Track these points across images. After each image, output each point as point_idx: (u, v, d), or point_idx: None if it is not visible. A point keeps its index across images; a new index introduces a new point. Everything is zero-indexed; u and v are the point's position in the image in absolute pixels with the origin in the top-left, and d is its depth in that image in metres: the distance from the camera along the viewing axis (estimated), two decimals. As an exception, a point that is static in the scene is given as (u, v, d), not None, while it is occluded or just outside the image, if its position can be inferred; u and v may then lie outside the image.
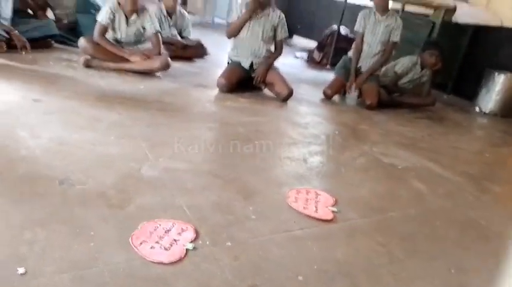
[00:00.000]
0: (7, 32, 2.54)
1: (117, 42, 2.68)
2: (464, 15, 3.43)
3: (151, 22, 2.69)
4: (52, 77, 2.26)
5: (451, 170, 1.96)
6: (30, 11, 3.09)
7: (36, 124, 1.62)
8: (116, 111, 1.91)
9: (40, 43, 2.76)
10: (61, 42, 2.99)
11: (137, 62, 2.62)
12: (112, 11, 2.57)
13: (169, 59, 2.72)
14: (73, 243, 0.98)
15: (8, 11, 2.64)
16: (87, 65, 2.58)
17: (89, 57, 2.60)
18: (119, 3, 2.58)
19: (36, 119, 1.67)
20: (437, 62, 3.02)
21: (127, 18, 2.64)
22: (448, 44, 3.33)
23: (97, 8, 3.22)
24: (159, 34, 2.72)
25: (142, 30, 2.71)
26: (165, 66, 2.66)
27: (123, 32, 2.65)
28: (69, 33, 3.09)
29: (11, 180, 1.21)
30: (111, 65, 2.61)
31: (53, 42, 2.91)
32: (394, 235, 1.30)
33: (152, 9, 2.85)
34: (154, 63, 2.63)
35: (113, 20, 2.59)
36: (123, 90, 2.30)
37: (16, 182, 1.20)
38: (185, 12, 3.70)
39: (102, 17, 2.57)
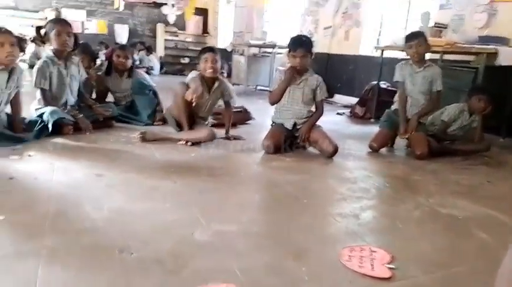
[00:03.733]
0: (73, 117, 2.85)
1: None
2: (509, 57, 3.36)
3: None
4: (112, 153, 2.47)
5: (519, 218, 1.81)
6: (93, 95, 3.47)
7: (98, 197, 1.75)
8: (171, 180, 2.02)
9: (102, 124, 3.06)
10: (120, 121, 3.29)
11: (186, 133, 2.82)
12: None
13: (214, 130, 2.90)
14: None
15: (72, 99, 2.99)
16: (143, 139, 2.80)
17: (144, 132, 2.84)
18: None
19: (98, 192, 1.81)
20: (486, 107, 2.93)
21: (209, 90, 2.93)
22: (496, 87, 3.24)
23: (150, 89, 3.56)
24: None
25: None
26: (211, 137, 2.82)
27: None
28: (128, 112, 3.40)
29: (75, 251, 1.29)
30: (164, 135, 2.83)
31: (113, 122, 3.21)
32: (462, 292, 1.20)
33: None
34: (201, 134, 2.81)
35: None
36: (177, 159, 2.44)
37: (80, 253, 1.29)
38: (230, 84, 3.96)
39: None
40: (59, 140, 2.67)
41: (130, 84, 3.51)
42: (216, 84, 2.91)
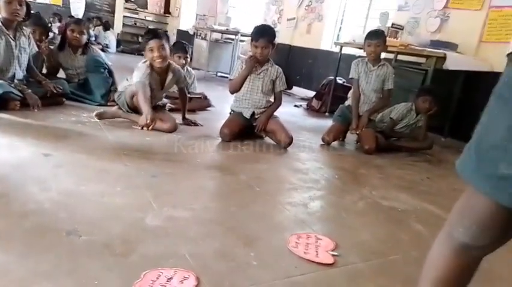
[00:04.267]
0: (21, 91, 2.69)
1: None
2: (456, 62, 3.59)
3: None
4: (62, 132, 2.37)
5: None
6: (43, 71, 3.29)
7: (45, 178, 1.69)
8: (123, 163, 1.99)
9: (51, 101, 2.91)
10: (71, 99, 3.15)
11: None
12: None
13: (177, 122, 2.83)
14: (78, 293, 1.01)
15: (21, 73, 2.82)
16: (100, 117, 2.71)
17: (102, 111, 2.73)
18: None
19: (45, 173, 1.74)
20: (430, 107, 3.12)
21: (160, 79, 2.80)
22: (442, 89, 3.46)
23: (106, 67, 3.43)
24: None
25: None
26: (174, 129, 2.75)
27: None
28: (80, 91, 3.26)
29: (18, 234, 1.25)
30: (123, 114, 2.74)
31: (64, 99, 3.06)
32: (396, 278, 1.31)
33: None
34: (164, 125, 2.72)
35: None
36: (130, 142, 2.40)
37: (24, 235, 1.25)
38: (191, 69, 3.90)
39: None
40: (4, 115, 2.51)
41: (84, 62, 3.36)
42: (170, 75, 2.80)
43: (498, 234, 0.72)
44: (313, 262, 1.32)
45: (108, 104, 3.22)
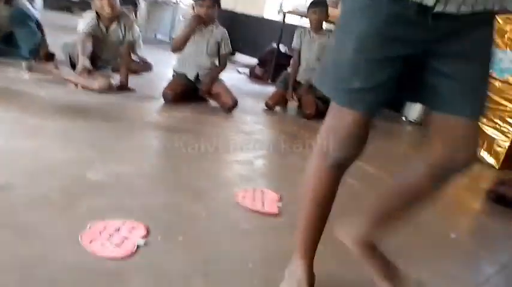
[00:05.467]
0: None
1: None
2: None
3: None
4: (-15, 88, 2.16)
5: (381, 169, 2.16)
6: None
7: (-30, 133, 1.55)
8: (59, 121, 1.87)
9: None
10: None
11: (79, 77, 2.56)
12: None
13: (111, 81, 2.62)
14: (20, 244, 0.97)
15: None
16: (29, 68, 2.50)
17: (33, 62, 2.52)
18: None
19: (-30, 128, 1.59)
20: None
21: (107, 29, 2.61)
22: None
23: (33, 19, 3.11)
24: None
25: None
26: (105, 88, 2.53)
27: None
28: (5, 45, 2.94)
29: None
30: (54, 71, 2.54)
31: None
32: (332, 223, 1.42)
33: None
34: (95, 83, 2.51)
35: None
36: (67, 100, 2.25)
37: (-49, 189, 1.15)
38: (137, 28, 3.68)
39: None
40: None
41: (8, 13, 3.01)
42: (115, 24, 2.67)
43: (362, 142, 0.85)
44: (260, 212, 1.38)
45: (37, 59, 2.95)
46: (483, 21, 0.75)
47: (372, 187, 1.87)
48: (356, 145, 0.84)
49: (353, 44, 0.76)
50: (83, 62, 2.38)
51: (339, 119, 0.83)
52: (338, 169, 0.90)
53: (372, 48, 0.75)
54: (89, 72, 2.45)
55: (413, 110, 3.79)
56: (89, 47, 2.44)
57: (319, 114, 3.08)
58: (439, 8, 0.69)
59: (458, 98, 0.78)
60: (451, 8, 0.69)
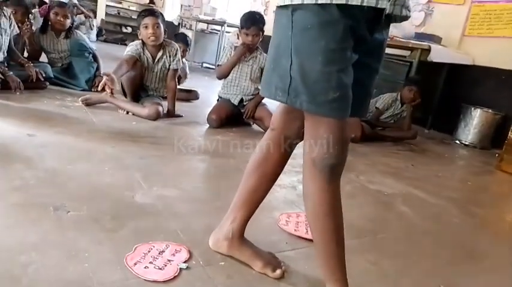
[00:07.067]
0: (2, 73, 2.61)
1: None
2: (440, 54, 3.66)
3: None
4: (46, 115, 2.31)
5: (435, 196, 2.02)
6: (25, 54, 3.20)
7: (30, 157, 1.65)
8: (109, 145, 1.96)
9: (34, 85, 2.83)
10: (55, 84, 3.07)
11: (130, 104, 2.70)
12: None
13: (160, 109, 2.68)
14: (67, 264, 0.99)
15: (1, 55, 2.73)
16: (87, 103, 2.66)
17: (88, 96, 2.68)
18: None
19: (30, 152, 1.70)
20: (415, 97, 3.18)
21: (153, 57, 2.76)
22: (426, 81, 3.53)
23: (90, 52, 3.35)
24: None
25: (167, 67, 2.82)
26: (154, 117, 2.61)
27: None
28: (64, 75, 3.17)
29: (4, 208, 1.22)
30: (109, 99, 2.68)
31: (47, 83, 2.98)
32: (385, 254, 1.34)
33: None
34: (143, 111, 2.63)
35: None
36: (116, 126, 2.36)
37: (10, 210, 1.22)
38: (186, 61, 3.84)
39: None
40: (-17, 97, 2.44)
41: (67, 46, 3.27)
42: (160, 53, 2.79)
43: (347, 145, 0.89)
44: (303, 238, 1.33)
45: (93, 89, 3.15)
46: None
47: (425, 214, 1.75)
48: (346, 148, 0.89)
49: (322, 58, 0.81)
50: (110, 77, 2.28)
51: (324, 129, 0.86)
52: (338, 177, 0.91)
53: (339, 59, 0.82)
54: (111, 92, 2.36)
55: (467, 133, 3.59)
56: (125, 68, 2.53)
57: (366, 138, 2.99)
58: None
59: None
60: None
